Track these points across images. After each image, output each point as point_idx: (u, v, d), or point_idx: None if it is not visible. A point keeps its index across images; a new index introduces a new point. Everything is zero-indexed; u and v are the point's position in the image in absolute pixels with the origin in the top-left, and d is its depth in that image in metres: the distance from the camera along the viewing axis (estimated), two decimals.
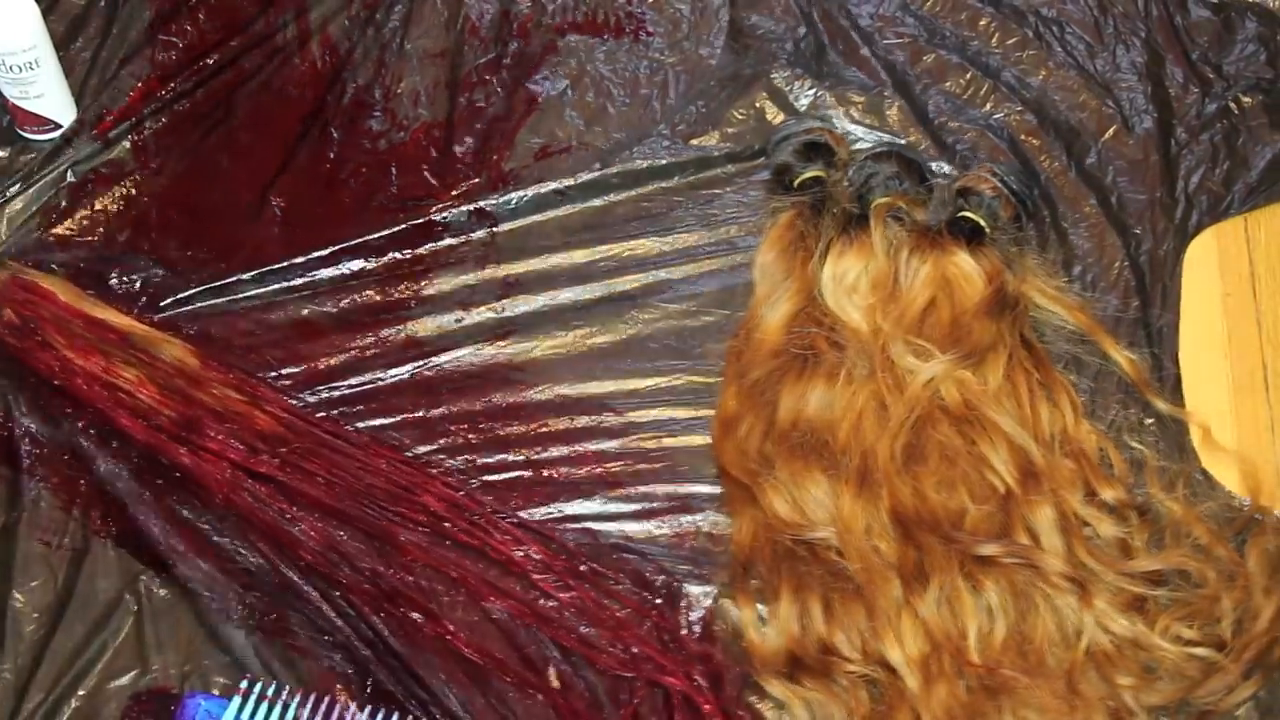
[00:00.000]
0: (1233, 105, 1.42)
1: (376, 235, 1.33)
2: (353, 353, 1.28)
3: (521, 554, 1.16)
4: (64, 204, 1.34)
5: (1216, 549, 1.17)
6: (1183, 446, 1.24)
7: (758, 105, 1.42)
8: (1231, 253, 1.36)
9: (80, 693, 1.10)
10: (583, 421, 1.24)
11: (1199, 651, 1.11)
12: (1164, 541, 1.18)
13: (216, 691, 1.10)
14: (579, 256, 1.34)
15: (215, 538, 1.16)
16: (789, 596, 1.13)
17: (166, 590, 1.14)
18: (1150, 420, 1.25)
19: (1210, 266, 1.35)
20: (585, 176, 1.36)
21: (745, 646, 1.13)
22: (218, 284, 1.30)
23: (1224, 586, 1.14)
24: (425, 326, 1.29)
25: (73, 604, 1.13)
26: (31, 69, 1.31)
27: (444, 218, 1.34)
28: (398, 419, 1.24)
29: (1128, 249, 1.34)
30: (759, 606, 1.15)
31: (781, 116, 1.41)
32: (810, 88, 1.43)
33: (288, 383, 1.26)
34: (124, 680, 1.11)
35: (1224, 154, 1.39)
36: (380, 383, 1.26)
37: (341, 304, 1.30)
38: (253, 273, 1.30)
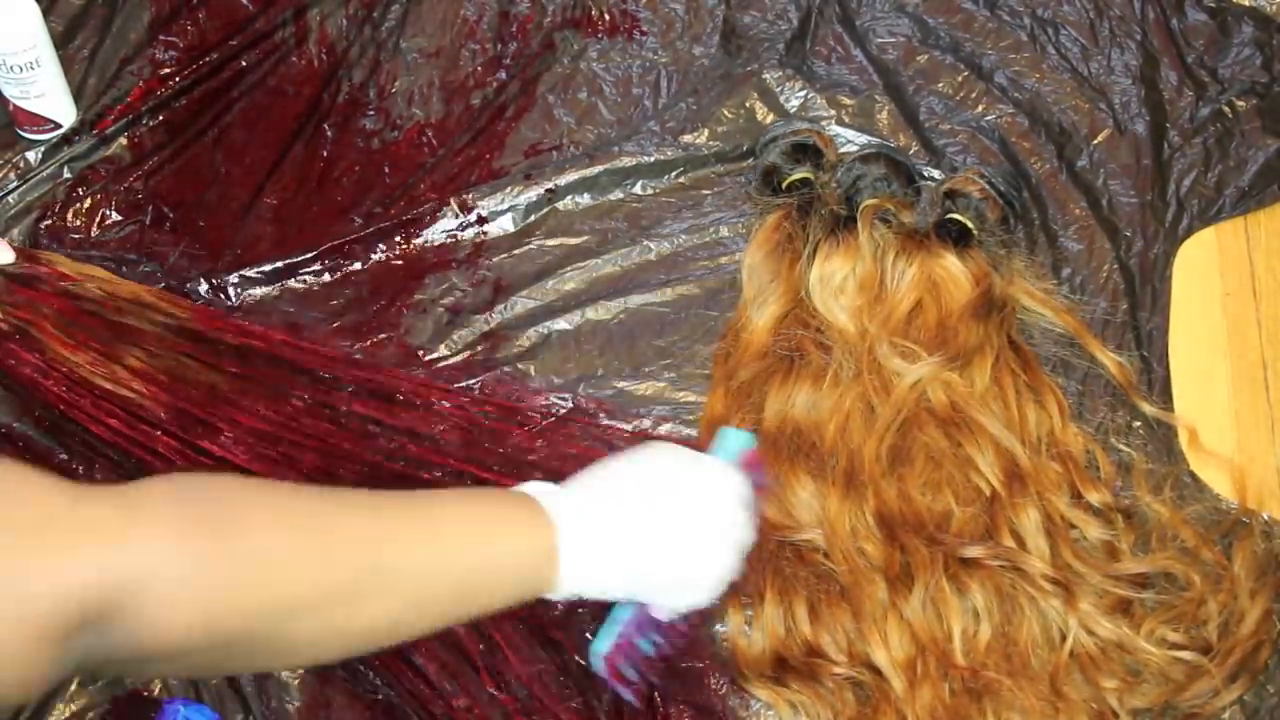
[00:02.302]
0: (1226, 109, 1.42)
1: (367, 234, 1.33)
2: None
3: None
4: (60, 200, 1.34)
5: (1203, 552, 1.17)
6: (1170, 449, 1.23)
7: (748, 105, 1.42)
8: (1231, 253, 1.36)
9: (57, 700, 1.09)
10: (571, 422, 1.24)
11: (1184, 654, 1.11)
12: (1150, 544, 1.17)
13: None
14: (568, 255, 1.34)
15: None
16: (774, 598, 1.13)
17: None
18: (1138, 423, 1.25)
19: (1210, 266, 1.35)
20: (574, 174, 1.37)
21: (731, 649, 1.13)
22: (210, 282, 1.30)
23: (1210, 589, 1.14)
24: (415, 327, 1.29)
25: None
26: (32, 69, 1.32)
27: (435, 217, 1.34)
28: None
29: (1117, 252, 1.34)
30: (745, 609, 1.15)
31: (772, 117, 1.41)
32: (801, 89, 1.43)
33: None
34: (100, 684, 1.10)
35: (1216, 158, 1.39)
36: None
37: (331, 304, 1.31)
38: (243, 271, 1.31)
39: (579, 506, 0.84)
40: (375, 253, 1.33)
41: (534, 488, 0.85)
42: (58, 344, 1.18)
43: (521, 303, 1.31)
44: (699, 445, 1.21)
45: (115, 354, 1.18)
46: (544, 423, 1.20)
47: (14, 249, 1.21)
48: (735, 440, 0.97)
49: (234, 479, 0.75)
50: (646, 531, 0.86)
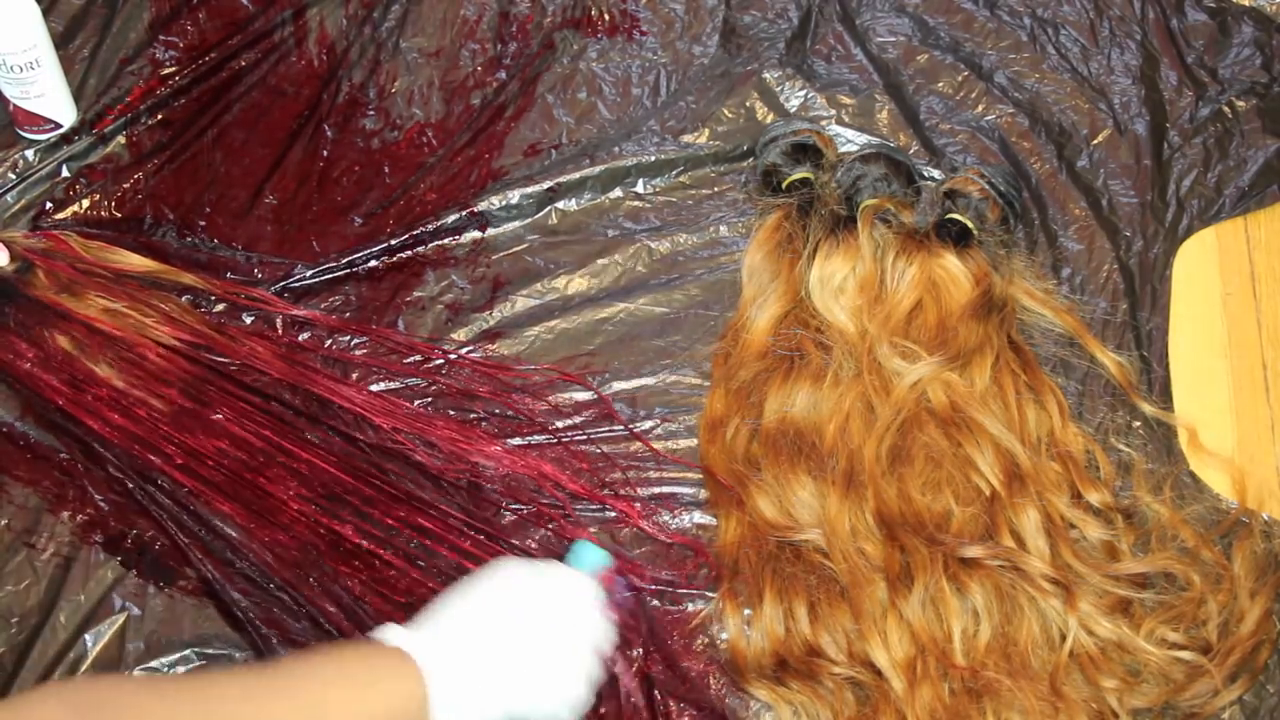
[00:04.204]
0: (1226, 109, 1.42)
1: (367, 234, 1.33)
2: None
3: None
4: (58, 199, 1.34)
5: (1203, 552, 1.17)
6: (1170, 449, 1.24)
7: (748, 104, 1.42)
8: (1231, 252, 1.36)
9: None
10: (571, 421, 1.25)
11: (1184, 654, 1.11)
12: (1150, 544, 1.18)
13: None
14: (568, 255, 1.34)
15: (210, 538, 1.15)
16: (774, 599, 1.13)
17: (155, 596, 1.13)
18: (1138, 423, 1.25)
19: (1210, 266, 1.35)
20: (574, 174, 1.36)
21: (730, 649, 1.13)
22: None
23: (1210, 589, 1.14)
24: (415, 327, 1.29)
25: (57, 609, 1.12)
26: (32, 69, 1.31)
27: (434, 216, 1.34)
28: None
29: (1117, 252, 1.34)
30: (744, 609, 1.15)
31: (772, 116, 1.41)
32: (801, 88, 1.43)
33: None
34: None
35: (1216, 158, 1.39)
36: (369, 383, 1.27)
37: (332, 303, 1.31)
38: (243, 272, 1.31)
39: (442, 651, 0.89)
40: (374, 252, 1.33)
41: (397, 636, 0.89)
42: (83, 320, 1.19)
43: (521, 301, 1.31)
44: (700, 446, 1.22)
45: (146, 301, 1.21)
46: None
47: (21, 237, 1.22)
48: (591, 556, 1.03)
49: (117, 681, 0.81)
50: (510, 664, 0.91)
